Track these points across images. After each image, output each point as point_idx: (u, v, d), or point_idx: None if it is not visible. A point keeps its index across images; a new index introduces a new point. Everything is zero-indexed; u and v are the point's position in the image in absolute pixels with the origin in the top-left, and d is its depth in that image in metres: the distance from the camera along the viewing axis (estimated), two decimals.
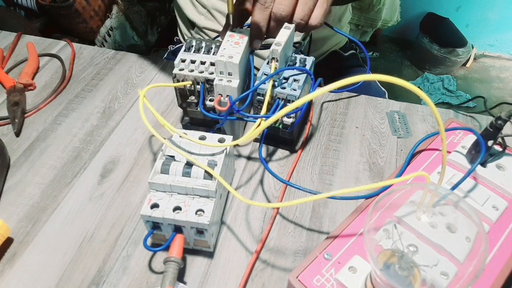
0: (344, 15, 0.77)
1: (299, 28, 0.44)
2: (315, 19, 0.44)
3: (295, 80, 0.45)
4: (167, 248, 0.36)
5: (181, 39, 0.81)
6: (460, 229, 0.30)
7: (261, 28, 0.44)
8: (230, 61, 0.42)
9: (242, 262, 0.39)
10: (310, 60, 0.47)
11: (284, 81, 0.45)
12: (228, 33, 0.46)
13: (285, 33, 0.43)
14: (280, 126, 0.45)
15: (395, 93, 0.71)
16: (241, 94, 0.44)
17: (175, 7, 0.78)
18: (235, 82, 0.43)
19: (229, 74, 0.43)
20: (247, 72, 0.48)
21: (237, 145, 0.49)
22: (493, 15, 1.87)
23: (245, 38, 0.45)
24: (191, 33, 0.75)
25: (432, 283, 0.28)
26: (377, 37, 1.98)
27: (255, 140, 0.51)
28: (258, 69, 0.46)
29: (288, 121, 0.45)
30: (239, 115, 0.44)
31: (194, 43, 0.47)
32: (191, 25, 0.74)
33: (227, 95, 0.44)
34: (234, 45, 0.44)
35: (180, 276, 0.38)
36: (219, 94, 0.44)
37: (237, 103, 0.43)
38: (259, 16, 0.43)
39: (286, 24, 0.44)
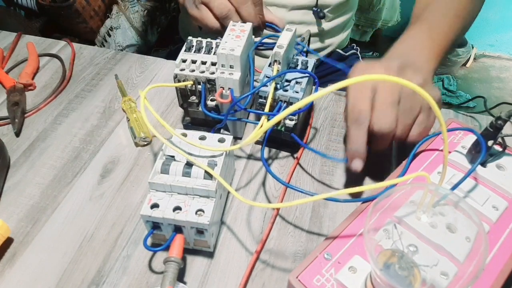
0: (348, 23, 0.78)
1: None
2: (412, 136, 0.41)
3: (297, 83, 0.45)
4: (167, 248, 0.36)
5: (182, 37, 0.81)
6: (460, 229, 0.30)
7: (360, 147, 0.40)
8: (231, 53, 0.42)
9: (242, 262, 0.39)
10: (311, 62, 0.47)
11: (286, 83, 0.45)
12: (229, 26, 0.46)
13: (287, 36, 0.43)
14: (283, 129, 0.45)
15: None
16: (242, 87, 0.45)
17: (181, 28, 0.77)
18: (237, 74, 0.43)
19: (231, 67, 0.43)
20: (248, 67, 0.48)
21: None
22: (493, 15, 1.87)
23: (246, 32, 0.45)
24: None
25: (432, 283, 0.28)
26: (377, 37, 1.97)
27: (257, 142, 0.51)
28: (260, 72, 0.46)
29: (290, 123, 0.44)
30: (242, 111, 0.44)
31: (194, 43, 0.47)
32: None
33: (229, 88, 0.44)
34: (235, 38, 0.44)
35: (180, 276, 0.38)
36: (220, 87, 0.44)
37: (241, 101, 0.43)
38: (356, 133, 0.39)
39: (287, 26, 0.44)
